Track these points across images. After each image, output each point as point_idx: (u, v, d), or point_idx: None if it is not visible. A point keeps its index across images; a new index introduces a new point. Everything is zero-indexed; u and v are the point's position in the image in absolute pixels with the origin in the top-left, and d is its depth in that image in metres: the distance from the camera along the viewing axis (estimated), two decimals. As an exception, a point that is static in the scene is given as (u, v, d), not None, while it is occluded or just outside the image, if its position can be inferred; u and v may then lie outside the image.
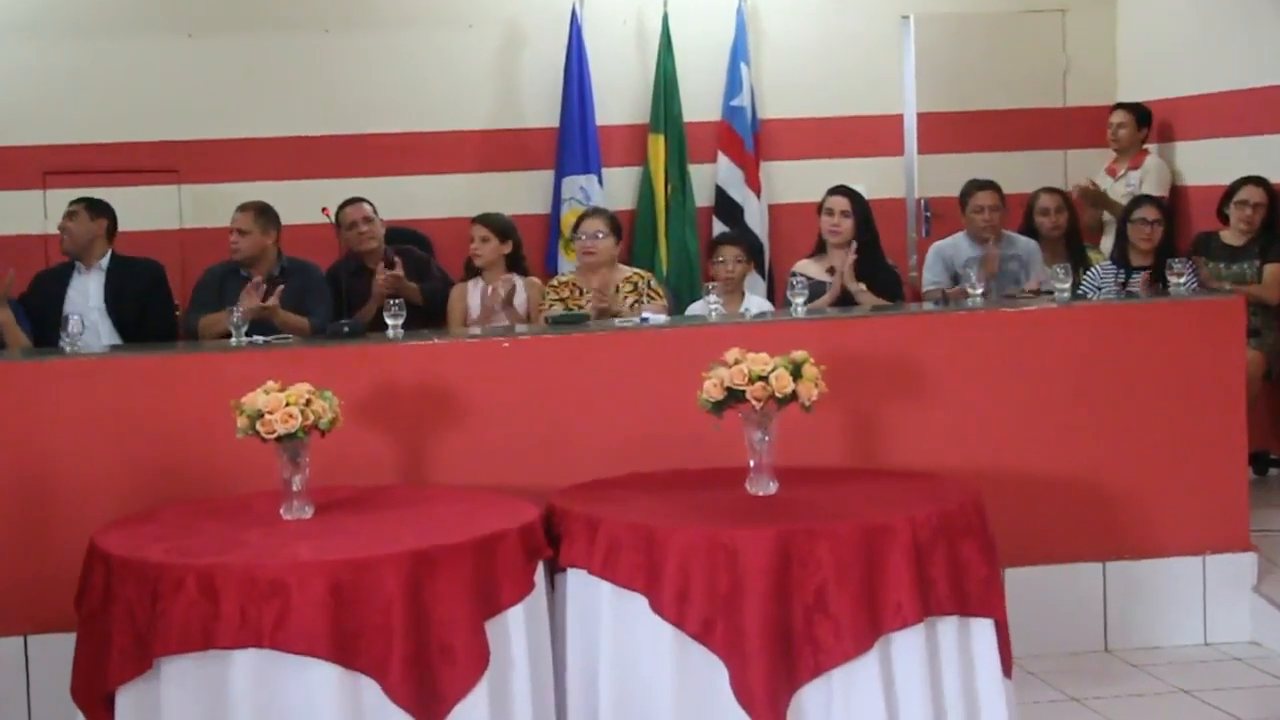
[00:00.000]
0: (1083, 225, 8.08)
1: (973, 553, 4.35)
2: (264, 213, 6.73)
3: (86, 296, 6.80)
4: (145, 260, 7.03)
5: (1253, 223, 7.47)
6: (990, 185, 7.45)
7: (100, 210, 6.95)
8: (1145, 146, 8.55)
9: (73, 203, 6.95)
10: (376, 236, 7.26)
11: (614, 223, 6.86)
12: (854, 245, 6.75)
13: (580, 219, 6.90)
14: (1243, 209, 7.48)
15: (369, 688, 3.99)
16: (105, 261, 6.89)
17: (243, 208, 6.75)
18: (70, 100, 8.27)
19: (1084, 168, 8.95)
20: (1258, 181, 7.51)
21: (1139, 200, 7.60)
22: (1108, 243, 8.08)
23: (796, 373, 4.45)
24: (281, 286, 6.39)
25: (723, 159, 8.86)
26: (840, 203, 6.82)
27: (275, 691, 3.96)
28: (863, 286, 6.67)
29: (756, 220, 8.82)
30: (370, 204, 7.34)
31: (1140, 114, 8.49)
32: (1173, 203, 8.37)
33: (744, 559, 4.16)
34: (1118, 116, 8.53)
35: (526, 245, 7.32)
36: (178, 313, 7.14)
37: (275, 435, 4.26)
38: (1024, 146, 9.03)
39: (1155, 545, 5.72)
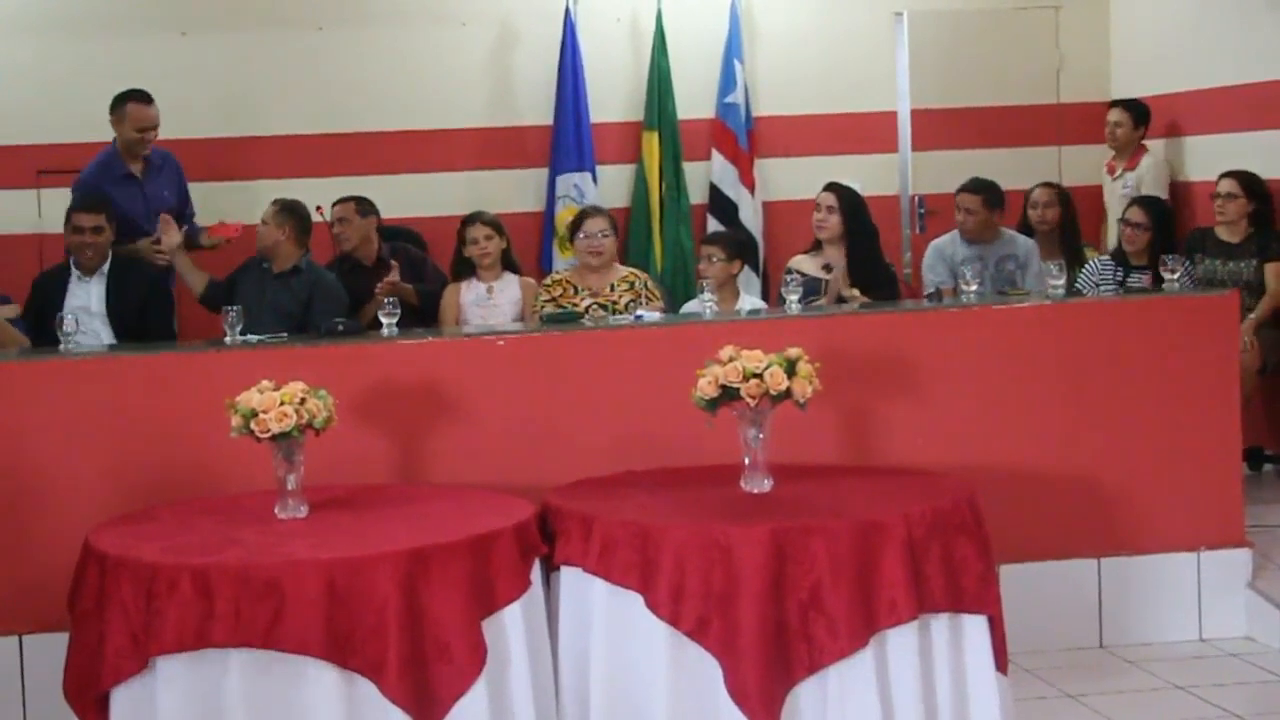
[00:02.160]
0: None
1: (968, 549, 4.35)
2: (284, 209, 6.87)
3: (88, 303, 6.74)
4: (146, 263, 7.01)
5: (1225, 213, 7.44)
6: (976, 188, 7.43)
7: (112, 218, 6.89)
8: (1144, 144, 8.53)
9: (91, 211, 6.81)
10: (351, 238, 7.27)
11: (614, 221, 6.87)
12: (844, 252, 6.75)
13: (582, 218, 6.87)
14: (1215, 201, 7.50)
15: (365, 687, 3.99)
16: (106, 267, 6.82)
17: (272, 202, 6.95)
18: (64, 99, 8.25)
19: (1078, 164, 8.97)
20: (1232, 174, 7.51)
21: (1130, 201, 7.64)
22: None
23: (791, 370, 4.45)
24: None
25: (717, 156, 8.87)
26: (826, 198, 6.84)
27: (271, 691, 3.96)
28: (856, 292, 6.65)
29: (751, 217, 8.83)
30: (360, 203, 7.33)
31: (1138, 112, 8.45)
32: (1172, 199, 8.36)
33: (739, 556, 4.16)
34: (1115, 115, 8.48)
35: (522, 243, 7.31)
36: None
37: (269, 434, 4.25)
38: (1018, 143, 9.04)
39: (1150, 541, 5.72)
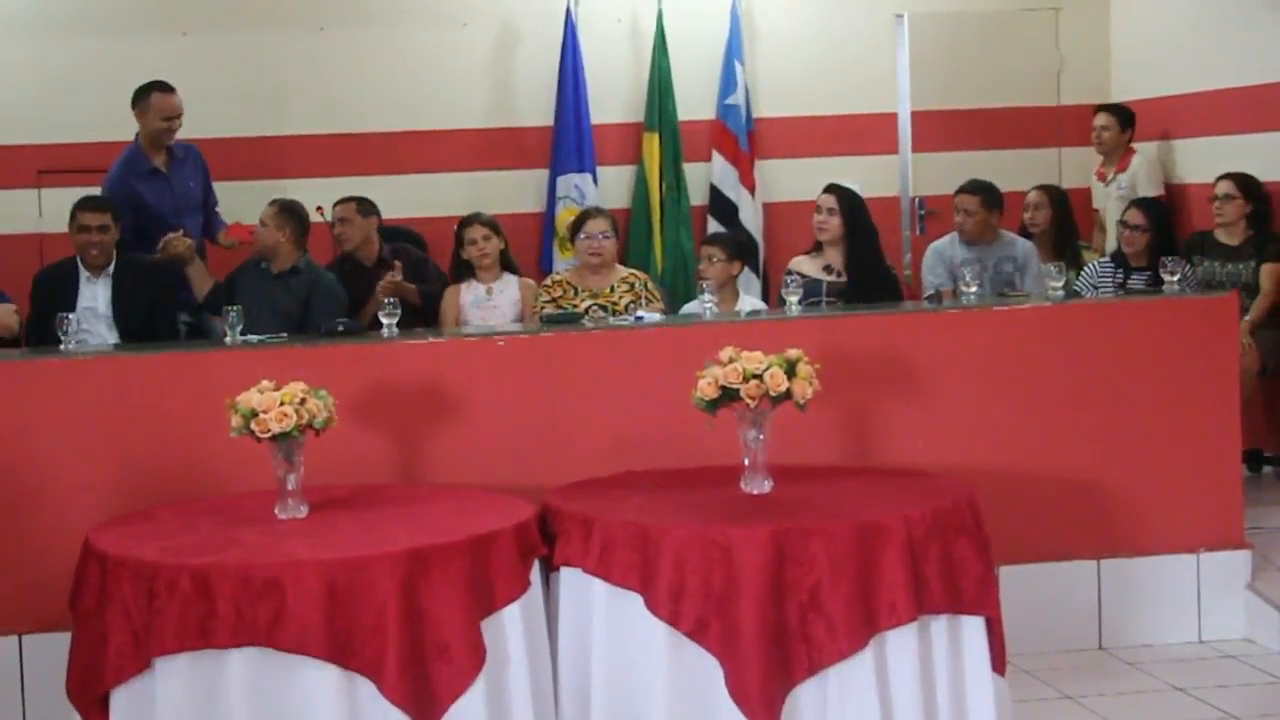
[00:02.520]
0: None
1: (967, 551, 4.36)
2: (283, 210, 6.87)
3: (95, 304, 6.73)
4: (154, 263, 6.99)
5: (1224, 214, 7.44)
6: (974, 189, 7.42)
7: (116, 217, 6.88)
8: (1131, 146, 8.51)
9: (97, 210, 6.81)
10: (353, 239, 7.27)
11: (614, 222, 6.88)
12: (844, 253, 6.74)
13: (583, 218, 6.87)
14: (1213, 203, 7.49)
15: (365, 687, 3.99)
16: (111, 268, 6.81)
17: (270, 202, 6.94)
18: (65, 99, 8.26)
19: (1078, 166, 8.97)
20: (1230, 176, 7.50)
21: (1129, 204, 7.63)
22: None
23: (791, 371, 4.45)
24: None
25: (717, 157, 8.87)
26: (827, 200, 6.84)
27: (271, 691, 3.96)
28: None
29: (751, 219, 8.83)
30: (361, 203, 7.32)
31: (1124, 116, 8.44)
32: (1170, 202, 8.36)
33: (739, 557, 4.16)
34: (1101, 119, 8.46)
35: (522, 244, 7.30)
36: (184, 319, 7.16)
37: (270, 434, 4.25)
38: (1018, 145, 9.05)
39: (1149, 543, 5.72)
